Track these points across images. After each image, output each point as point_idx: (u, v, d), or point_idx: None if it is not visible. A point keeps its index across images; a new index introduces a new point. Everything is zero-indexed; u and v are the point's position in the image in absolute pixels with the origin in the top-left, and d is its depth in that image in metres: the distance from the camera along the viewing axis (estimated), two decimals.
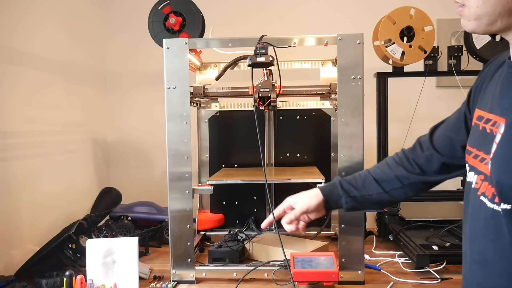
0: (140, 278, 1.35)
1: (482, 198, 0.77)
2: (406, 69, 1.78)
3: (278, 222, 1.87)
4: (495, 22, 0.74)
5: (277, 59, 1.38)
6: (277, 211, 1.16)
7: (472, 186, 0.81)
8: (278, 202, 1.85)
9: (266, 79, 1.51)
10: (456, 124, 0.95)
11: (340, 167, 1.36)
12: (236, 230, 1.75)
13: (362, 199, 1.06)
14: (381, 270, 1.47)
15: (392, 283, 1.36)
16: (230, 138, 1.86)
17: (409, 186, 1.03)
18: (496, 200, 0.74)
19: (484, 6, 0.73)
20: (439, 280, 1.38)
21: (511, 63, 0.76)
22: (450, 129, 0.97)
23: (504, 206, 0.72)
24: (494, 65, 0.85)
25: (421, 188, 1.03)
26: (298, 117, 1.82)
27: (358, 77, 1.33)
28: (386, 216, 1.69)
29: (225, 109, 1.85)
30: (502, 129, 0.74)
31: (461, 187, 1.76)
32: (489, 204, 0.76)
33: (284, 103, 1.80)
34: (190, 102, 1.38)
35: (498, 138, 0.75)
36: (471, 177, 0.82)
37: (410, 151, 1.05)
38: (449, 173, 0.99)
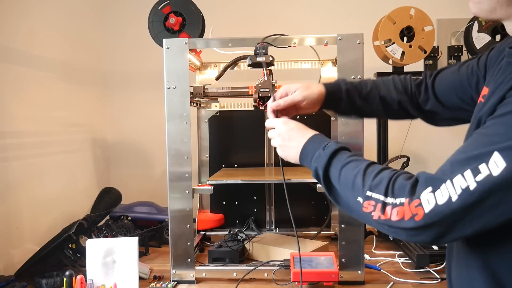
0: (140, 278, 1.35)
1: None
2: (406, 69, 1.78)
3: (278, 223, 1.87)
4: (494, 10, 0.76)
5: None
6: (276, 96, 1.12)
7: None
8: (278, 202, 1.86)
9: (266, 79, 1.51)
10: (464, 82, 0.95)
11: None
12: (236, 230, 1.75)
13: (359, 110, 1.08)
14: (381, 270, 1.47)
15: (392, 283, 1.36)
16: (230, 138, 1.86)
17: (404, 111, 1.06)
18: None
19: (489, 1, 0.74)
20: (439, 280, 1.38)
21: (510, 52, 0.77)
22: (458, 84, 0.97)
23: None
24: (498, 52, 0.87)
25: (414, 116, 1.08)
26: (298, 117, 1.81)
27: (358, 77, 1.33)
28: None
29: (225, 109, 1.85)
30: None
31: None
32: None
33: None
34: (190, 102, 1.38)
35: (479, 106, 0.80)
36: None
37: (416, 85, 1.06)
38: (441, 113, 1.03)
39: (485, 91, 0.82)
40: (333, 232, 1.81)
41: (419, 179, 0.68)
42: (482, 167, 0.61)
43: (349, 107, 1.08)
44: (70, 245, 1.51)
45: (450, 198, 0.63)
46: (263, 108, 1.53)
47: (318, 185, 1.41)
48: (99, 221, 1.76)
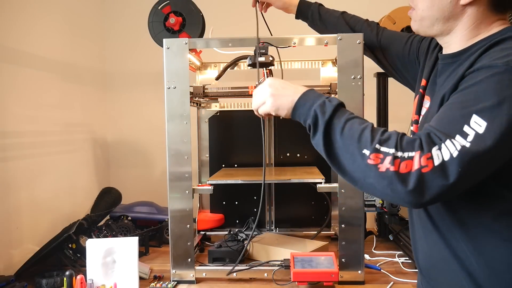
0: (140, 278, 1.35)
1: None
2: None
3: (278, 223, 1.87)
4: (433, 26, 0.90)
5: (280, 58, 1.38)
6: None
7: None
8: (278, 202, 1.86)
9: (266, 79, 1.51)
10: (404, 48, 1.20)
11: None
12: (236, 230, 1.75)
13: (322, 23, 1.42)
14: (381, 270, 1.47)
15: (392, 283, 1.36)
16: (230, 138, 1.86)
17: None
18: None
19: (428, 10, 0.89)
20: None
21: (443, 56, 0.95)
22: (397, 46, 1.23)
23: None
24: (427, 47, 1.09)
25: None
26: None
27: (358, 77, 1.33)
28: (386, 216, 1.69)
29: (225, 109, 1.85)
30: (427, 105, 0.97)
31: None
32: None
33: None
34: (190, 102, 1.38)
35: (423, 111, 0.98)
36: None
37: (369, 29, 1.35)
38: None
39: (423, 82, 1.02)
40: (333, 232, 1.81)
41: (423, 138, 0.74)
42: (467, 128, 0.71)
43: (317, 20, 1.42)
44: (70, 245, 1.51)
45: (451, 155, 0.71)
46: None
47: (318, 185, 1.41)
48: (99, 221, 1.76)
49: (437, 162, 0.71)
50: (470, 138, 0.71)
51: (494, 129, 0.70)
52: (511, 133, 0.71)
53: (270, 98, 0.93)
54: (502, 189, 0.79)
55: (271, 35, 1.48)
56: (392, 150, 0.74)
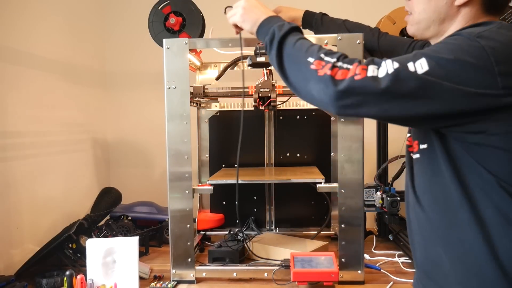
0: (140, 278, 1.36)
1: (412, 155, 0.95)
2: None
3: (278, 223, 1.87)
4: (429, 28, 0.93)
5: None
6: None
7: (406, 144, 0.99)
8: (278, 202, 1.86)
9: (266, 79, 1.51)
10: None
11: (340, 167, 1.36)
12: (236, 230, 1.75)
13: (325, 30, 1.43)
14: (381, 270, 1.47)
15: (392, 283, 1.36)
16: (230, 138, 1.86)
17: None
18: (415, 148, 0.92)
19: (424, 12, 0.91)
20: None
21: None
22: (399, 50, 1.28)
23: (422, 146, 0.90)
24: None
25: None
26: (298, 117, 1.82)
27: None
28: (386, 216, 1.69)
29: (225, 109, 1.86)
30: None
31: None
32: (413, 155, 0.94)
33: (284, 103, 1.80)
34: (190, 102, 1.38)
35: None
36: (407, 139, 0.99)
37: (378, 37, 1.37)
38: None
39: None
40: (333, 232, 1.81)
41: (366, 59, 0.82)
42: (410, 64, 0.77)
43: (317, 29, 1.45)
44: (70, 245, 1.51)
45: (386, 72, 0.77)
46: (263, 108, 1.54)
47: (318, 185, 1.41)
48: (99, 221, 1.76)
49: (370, 74, 0.78)
50: (406, 70, 0.76)
51: (430, 77, 0.75)
52: (442, 88, 0.75)
53: (241, 10, 1.09)
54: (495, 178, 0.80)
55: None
56: (333, 60, 0.82)
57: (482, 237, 0.80)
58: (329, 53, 0.85)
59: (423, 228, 0.92)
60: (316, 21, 1.45)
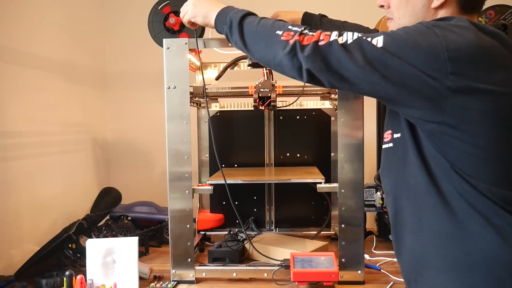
0: (140, 278, 1.35)
1: (384, 146, 0.97)
2: None
3: (278, 223, 1.87)
4: None
5: None
6: None
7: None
8: (278, 202, 1.86)
9: (266, 79, 1.51)
10: None
11: (340, 167, 1.36)
12: (236, 230, 1.75)
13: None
14: (381, 270, 1.47)
15: (392, 283, 1.36)
16: (230, 138, 1.86)
17: None
18: (389, 137, 0.95)
19: (404, 17, 0.93)
20: None
21: None
22: None
23: (396, 135, 0.93)
24: None
25: None
26: (298, 117, 1.82)
27: None
28: (386, 216, 1.69)
29: (225, 109, 1.85)
30: None
31: None
32: (386, 145, 0.96)
33: (284, 103, 1.80)
34: (190, 102, 1.38)
35: None
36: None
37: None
38: None
39: None
40: (333, 232, 1.81)
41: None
42: (369, 37, 0.82)
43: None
44: (70, 245, 1.51)
45: (346, 40, 0.82)
46: (263, 108, 1.54)
47: (318, 185, 1.41)
48: (99, 221, 1.76)
49: (333, 39, 0.83)
50: (367, 41, 0.81)
51: (384, 51, 0.79)
52: (394, 63, 0.78)
53: (191, 6, 1.15)
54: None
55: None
56: (300, 29, 0.88)
57: (449, 221, 0.83)
58: (295, 25, 0.91)
59: (398, 216, 0.94)
60: (315, 22, 1.44)
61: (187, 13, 1.16)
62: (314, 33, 0.86)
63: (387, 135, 0.96)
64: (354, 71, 0.81)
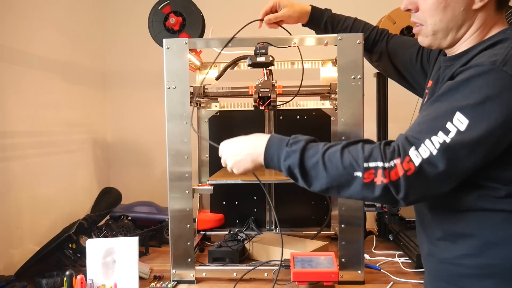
0: (140, 278, 1.35)
1: None
2: None
3: (278, 224, 1.87)
4: (446, 36, 0.90)
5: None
6: (267, 6, 1.38)
7: None
8: (278, 202, 1.86)
9: (266, 79, 1.51)
10: (413, 56, 1.19)
11: None
12: (236, 230, 1.75)
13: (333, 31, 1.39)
14: (381, 270, 1.47)
15: (392, 283, 1.36)
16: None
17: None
18: None
19: (441, 23, 0.89)
20: None
21: (444, 59, 0.96)
22: (405, 54, 1.23)
23: None
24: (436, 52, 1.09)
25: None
26: (298, 117, 1.82)
27: (358, 77, 1.33)
28: (386, 216, 1.69)
29: (225, 109, 1.85)
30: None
31: None
32: None
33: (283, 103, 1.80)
34: (190, 102, 1.38)
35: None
36: None
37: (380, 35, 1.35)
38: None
39: (429, 83, 1.00)
40: (333, 232, 1.81)
41: (400, 142, 0.80)
42: (449, 125, 0.75)
43: (325, 32, 1.39)
44: (70, 245, 1.51)
45: (431, 152, 0.75)
46: (263, 108, 1.54)
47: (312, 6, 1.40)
48: (99, 221, 1.76)
49: (417, 162, 0.75)
50: (451, 134, 0.74)
51: (475, 127, 0.74)
52: (491, 131, 0.74)
53: (230, 164, 1.05)
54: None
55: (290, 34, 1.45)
56: (380, 163, 0.78)
57: (490, 229, 0.82)
58: (368, 156, 0.80)
59: (426, 222, 0.93)
60: (326, 23, 1.38)
61: (232, 168, 1.06)
62: (394, 161, 0.77)
63: None
64: (457, 172, 0.77)
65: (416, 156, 0.76)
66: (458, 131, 0.74)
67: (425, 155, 0.75)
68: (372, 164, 0.79)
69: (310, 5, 1.39)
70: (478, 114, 0.74)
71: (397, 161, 0.77)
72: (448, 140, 0.74)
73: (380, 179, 0.77)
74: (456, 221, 0.86)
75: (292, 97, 1.61)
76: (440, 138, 0.75)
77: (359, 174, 0.79)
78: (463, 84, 0.78)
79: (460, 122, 0.74)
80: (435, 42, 0.92)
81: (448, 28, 0.89)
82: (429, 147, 0.75)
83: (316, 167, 0.85)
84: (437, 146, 0.75)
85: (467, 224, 0.84)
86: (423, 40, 0.94)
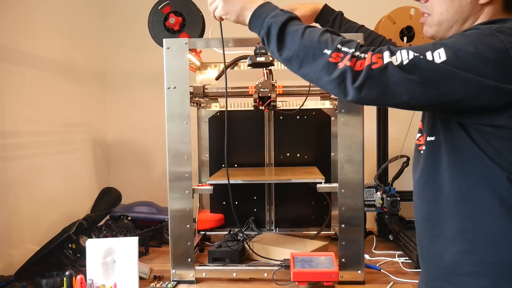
0: (140, 278, 1.35)
1: (417, 149, 0.96)
2: None
3: (278, 223, 1.87)
4: (451, 28, 0.90)
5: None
6: None
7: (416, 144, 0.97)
8: (278, 202, 1.86)
9: (266, 79, 1.51)
10: None
11: (340, 167, 1.36)
12: (236, 230, 1.75)
13: (340, 29, 1.38)
14: (381, 270, 1.47)
15: (392, 283, 1.36)
16: (230, 138, 1.86)
17: None
18: (422, 141, 0.92)
19: (447, 13, 0.89)
20: None
21: None
22: None
23: (429, 138, 0.90)
24: None
25: None
26: (298, 117, 1.82)
27: None
28: (386, 216, 1.69)
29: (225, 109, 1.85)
30: None
31: None
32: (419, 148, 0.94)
33: (284, 103, 1.80)
34: (190, 102, 1.38)
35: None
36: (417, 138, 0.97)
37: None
38: None
39: None
40: (333, 232, 1.81)
41: (380, 47, 0.81)
42: (428, 54, 0.77)
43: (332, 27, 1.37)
44: (70, 245, 1.51)
45: (402, 60, 0.77)
46: (263, 108, 1.54)
47: (318, 185, 1.41)
48: (99, 221, 1.76)
49: (386, 61, 0.77)
50: (424, 59, 0.76)
51: (448, 63, 0.75)
52: (462, 77, 0.75)
53: (221, 2, 1.03)
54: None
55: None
56: (351, 50, 0.80)
57: (488, 226, 0.82)
58: (345, 42, 0.82)
59: (425, 221, 0.93)
60: (334, 20, 1.40)
61: (217, 8, 1.05)
62: (366, 55, 0.79)
63: (422, 140, 0.94)
64: (415, 93, 0.77)
65: (388, 56, 0.78)
66: (432, 61, 0.76)
67: (396, 59, 0.77)
68: (344, 49, 0.81)
69: (325, 5, 1.40)
70: (460, 60, 0.76)
71: (368, 54, 0.79)
72: (423, 62, 0.76)
73: (344, 63, 0.79)
74: (454, 218, 0.86)
75: (305, 98, 1.59)
76: (417, 55, 0.77)
77: (328, 52, 0.81)
78: (457, 35, 0.82)
79: (438, 56, 0.76)
80: (439, 33, 0.93)
81: (454, 19, 0.89)
82: (402, 55, 0.77)
83: (294, 34, 0.87)
84: (411, 57, 0.77)
85: (465, 221, 0.84)
86: (428, 29, 0.95)
